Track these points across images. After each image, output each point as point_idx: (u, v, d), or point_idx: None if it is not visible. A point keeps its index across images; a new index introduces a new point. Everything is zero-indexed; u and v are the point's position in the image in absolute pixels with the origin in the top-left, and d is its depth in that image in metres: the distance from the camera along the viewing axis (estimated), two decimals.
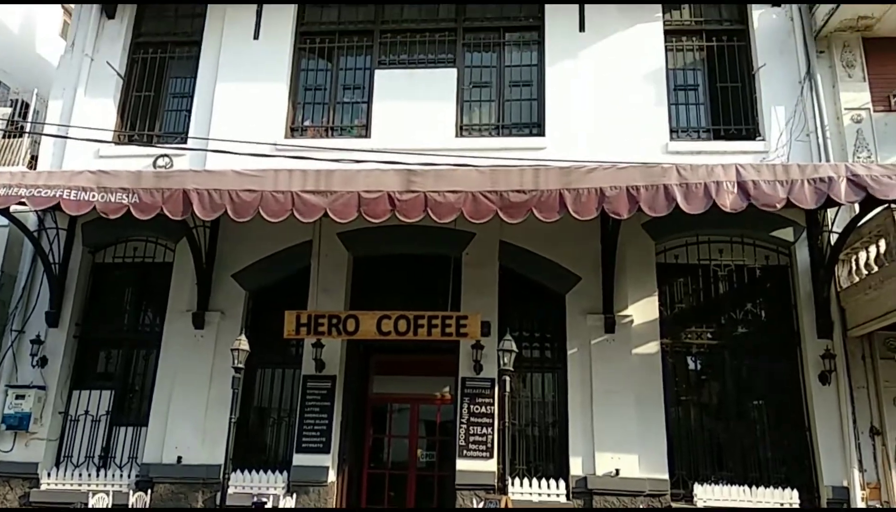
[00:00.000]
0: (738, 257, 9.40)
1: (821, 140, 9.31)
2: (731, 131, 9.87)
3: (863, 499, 8.16)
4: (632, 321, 9.06)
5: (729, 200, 6.97)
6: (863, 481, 8.24)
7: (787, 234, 9.15)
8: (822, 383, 8.58)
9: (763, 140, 9.54)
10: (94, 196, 7.40)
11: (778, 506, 8.33)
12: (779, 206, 7.03)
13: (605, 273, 8.99)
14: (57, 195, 7.54)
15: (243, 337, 8.28)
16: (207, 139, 9.74)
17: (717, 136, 9.88)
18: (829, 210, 8.88)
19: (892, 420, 8.33)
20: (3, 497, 9.16)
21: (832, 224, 8.86)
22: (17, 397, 9.35)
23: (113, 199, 7.35)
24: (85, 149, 10.09)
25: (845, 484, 8.27)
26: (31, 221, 9.76)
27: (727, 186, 7.00)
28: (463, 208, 7.15)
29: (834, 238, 8.63)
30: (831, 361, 8.54)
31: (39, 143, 10.58)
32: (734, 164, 7.15)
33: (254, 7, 10.61)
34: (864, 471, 8.28)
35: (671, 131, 9.82)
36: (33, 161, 10.58)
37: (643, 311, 9.12)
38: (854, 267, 8.65)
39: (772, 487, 8.46)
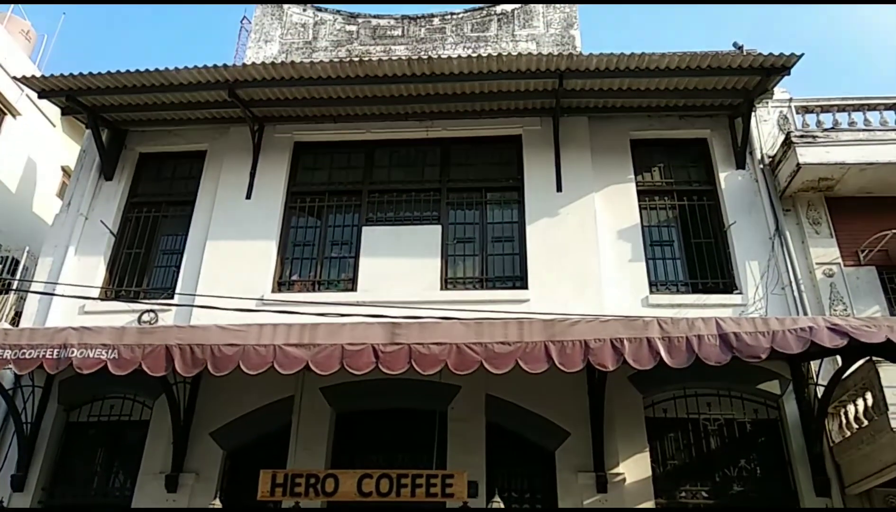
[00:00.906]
0: (726, 411, 9.28)
1: (796, 294, 9.54)
2: (709, 285, 10.13)
3: None
4: (624, 479, 8.74)
5: (713, 354, 6.99)
6: None
7: (773, 387, 9.11)
8: None
9: (740, 293, 9.76)
10: (73, 352, 7.32)
11: None
12: (763, 356, 7.00)
13: (594, 428, 8.80)
14: (40, 355, 7.44)
15: (217, 501, 7.85)
16: (194, 295, 9.83)
17: (696, 290, 10.11)
18: (812, 363, 8.93)
19: None
20: None
21: (817, 377, 8.84)
22: None
23: (91, 355, 7.26)
24: (70, 304, 10.14)
25: None
26: (7, 379, 9.54)
27: (709, 340, 7.05)
28: (447, 360, 7.11)
29: (820, 391, 8.59)
30: None
31: (25, 300, 10.60)
32: (714, 318, 7.25)
33: (248, 170, 11.13)
34: None
35: (650, 284, 10.05)
36: (17, 317, 10.55)
37: (635, 468, 8.83)
38: (844, 421, 8.53)
39: None
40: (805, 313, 9.20)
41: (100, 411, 9.89)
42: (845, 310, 9.37)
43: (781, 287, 9.66)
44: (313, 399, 9.38)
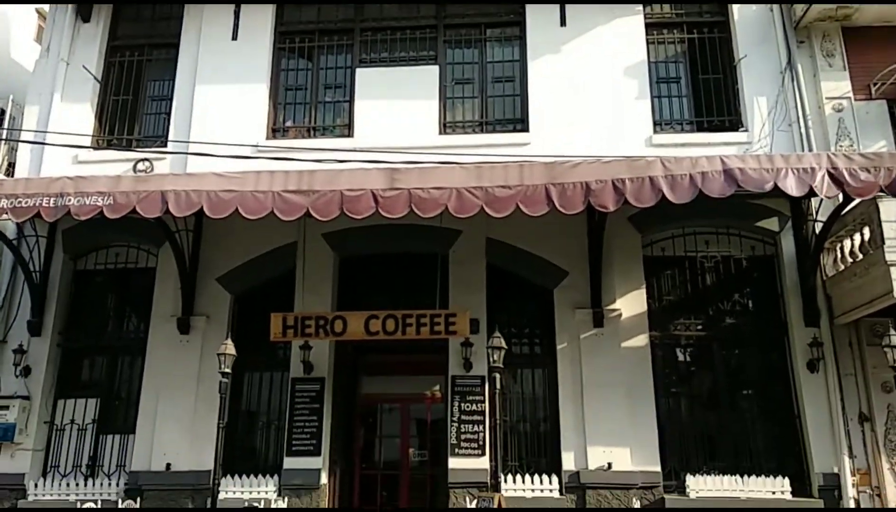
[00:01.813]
0: (724, 248, 9.43)
1: (803, 129, 9.36)
2: (714, 123, 9.90)
3: (853, 485, 8.20)
4: (620, 315, 9.05)
5: (716, 187, 6.87)
6: (853, 468, 8.28)
7: (771, 223, 9.19)
8: (810, 371, 8.61)
9: (746, 131, 9.56)
10: (70, 200, 7.28)
11: (769, 495, 8.35)
12: (767, 187, 6.91)
13: (593, 267, 8.98)
14: (36, 204, 7.41)
15: (229, 341, 8.18)
16: (188, 142, 9.64)
17: (701, 128, 9.89)
18: (812, 199, 8.92)
19: (881, 406, 8.37)
20: None
21: (816, 213, 8.88)
22: (1, 408, 9.19)
23: (88, 202, 7.24)
24: (63, 154, 9.95)
25: (835, 471, 8.30)
26: (10, 230, 9.59)
27: (713, 175, 6.94)
28: (448, 204, 7.07)
29: (818, 227, 8.66)
30: (819, 349, 8.58)
31: (17, 150, 10.41)
32: (718, 156, 7.13)
33: (231, 7, 10.48)
34: (854, 457, 8.31)
35: (654, 124, 9.82)
36: (10, 168, 10.42)
37: (631, 304, 9.12)
38: (839, 255, 8.68)
39: (763, 476, 8.48)
40: (810, 150, 9.06)
41: (106, 259, 10.05)
42: (851, 145, 9.21)
43: (788, 123, 9.44)
44: (316, 245, 9.48)
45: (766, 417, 8.95)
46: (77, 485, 9.10)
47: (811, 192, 7.09)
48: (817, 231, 8.66)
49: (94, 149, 10.29)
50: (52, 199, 7.34)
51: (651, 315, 9.15)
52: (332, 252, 9.57)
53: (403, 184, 7.23)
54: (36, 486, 9.09)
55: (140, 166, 9.81)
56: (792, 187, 6.92)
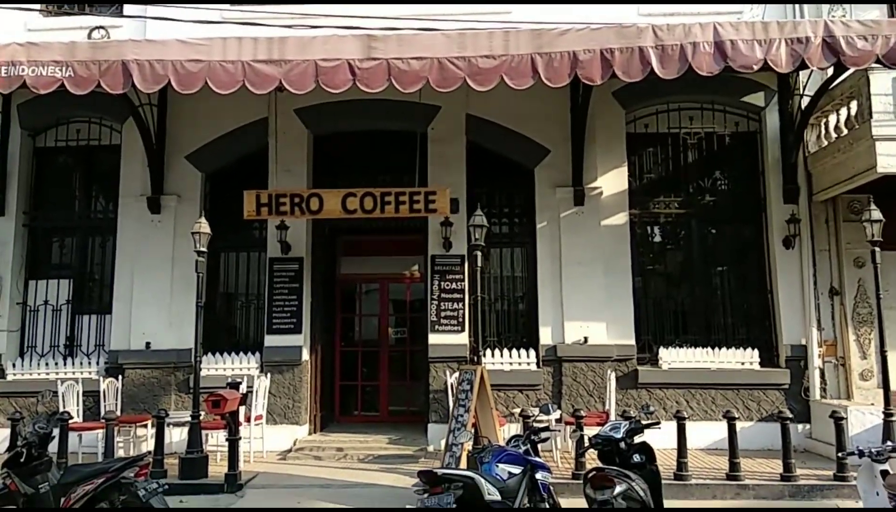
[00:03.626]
0: (708, 124, 9.28)
1: None
2: None
3: (819, 356, 8.54)
4: (601, 193, 8.97)
5: (705, 63, 6.68)
6: (820, 339, 8.59)
7: (758, 99, 9.00)
8: (785, 247, 8.73)
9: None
10: (23, 70, 6.75)
11: (738, 366, 8.67)
12: (756, 67, 6.78)
13: (575, 145, 8.79)
14: None
15: (203, 220, 7.93)
16: (146, 4, 8.91)
17: None
18: (801, 73, 8.68)
19: (852, 280, 8.58)
20: None
21: (804, 88, 8.68)
22: None
23: (45, 73, 6.72)
24: (10, 22, 9.18)
25: (803, 342, 8.60)
26: None
27: (704, 48, 6.70)
28: (429, 76, 6.73)
29: (805, 102, 8.49)
30: (796, 225, 8.66)
31: None
32: (712, 23, 6.81)
33: None
34: (822, 329, 8.61)
35: None
36: None
37: (612, 182, 9.03)
38: (823, 131, 8.60)
39: (733, 348, 8.78)
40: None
41: (67, 136, 9.57)
42: (844, 15, 8.87)
43: None
44: (288, 121, 9.07)
45: (740, 292, 9.16)
46: (56, 364, 9.09)
47: (803, 65, 6.89)
48: (803, 106, 8.49)
49: (45, 15, 9.54)
50: (2, 69, 6.79)
51: (631, 193, 9.10)
52: (305, 129, 9.20)
53: (381, 53, 6.82)
54: (14, 365, 9.06)
55: (95, 34, 9.12)
56: (782, 63, 6.72)
